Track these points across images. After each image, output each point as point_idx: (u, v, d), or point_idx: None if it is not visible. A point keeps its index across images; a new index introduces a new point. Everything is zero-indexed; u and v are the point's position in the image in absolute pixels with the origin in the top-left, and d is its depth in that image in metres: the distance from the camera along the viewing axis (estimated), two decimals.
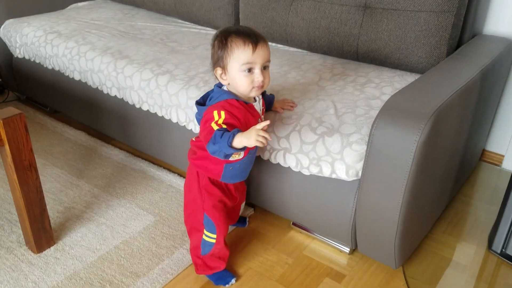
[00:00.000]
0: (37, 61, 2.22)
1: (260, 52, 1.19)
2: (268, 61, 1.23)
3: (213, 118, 1.17)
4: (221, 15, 2.17)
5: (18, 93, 2.59)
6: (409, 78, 1.64)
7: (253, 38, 1.19)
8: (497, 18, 1.81)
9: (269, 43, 2.04)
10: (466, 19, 1.68)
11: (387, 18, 1.69)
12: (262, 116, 1.35)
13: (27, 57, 2.27)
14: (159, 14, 2.49)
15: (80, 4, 2.67)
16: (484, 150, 2.04)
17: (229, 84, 1.25)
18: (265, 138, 1.10)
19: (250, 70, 1.20)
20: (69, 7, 2.62)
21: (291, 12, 1.91)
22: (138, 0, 2.54)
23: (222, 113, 1.17)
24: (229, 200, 1.37)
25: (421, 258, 1.51)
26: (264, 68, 1.22)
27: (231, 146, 1.12)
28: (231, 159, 1.26)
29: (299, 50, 1.99)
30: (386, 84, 1.59)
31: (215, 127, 1.15)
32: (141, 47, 1.98)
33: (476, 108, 1.50)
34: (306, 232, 1.60)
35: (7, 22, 2.34)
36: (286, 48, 2.02)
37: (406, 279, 1.42)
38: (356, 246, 1.46)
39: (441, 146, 1.29)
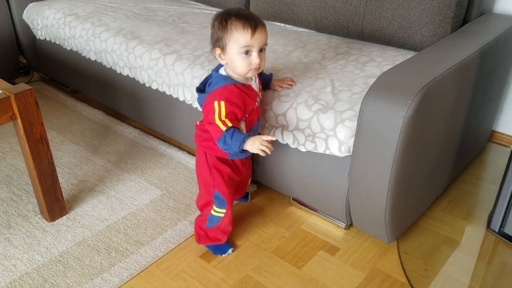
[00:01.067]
0: (57, 43, 2.32)
1: (258, 36, 1.24)
2: (265, 44, 1.27)
3: (214, 110, 1.23)
4: None
5: (42, 74, 2.72)
6: None
7: (252, 22, 1.23)
8: None
9: (277, 24, 2.09)
10: None
11: None
12: (260, 94, 1.39)
13: (48, 39, 2.37)
14: None
15: None
16: (493, 131, 2.02)
17: (227, 64, 1.29)
18: (268, 148, 1.21)
19: (247, 52, 1.24)
20: None
21: None
22: None
23: (222, 104, 1.23)
24: (236, 175, 1.43)
25: (417, 234, 1.53)
26: (261, 50, 1.27)
27: (241, 150, 1.22)
28: None
29: (307, 30, 2.01)
30: (387, 63, 1.60)
31: (222, 127, 1.22)
32: (153, 28, 2.04)
33: (476, 86, 1.50)
34: (305, 208, 1.64)
35: (30, 5, 2.45)
36: (294, 28, 2.04)
37: (399, 254, 1.45)
38: (351, 221, 1.49)
39: (433, 123, 1.31)
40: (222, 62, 1.30)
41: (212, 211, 1.41)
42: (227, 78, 1.30)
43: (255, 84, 1.35)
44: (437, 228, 1.56)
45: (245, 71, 1.26)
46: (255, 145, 1.21)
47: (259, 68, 1.27)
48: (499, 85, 1.76)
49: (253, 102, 1.32)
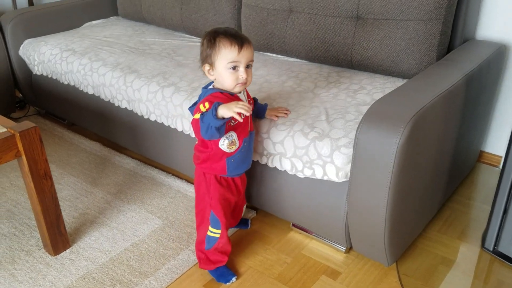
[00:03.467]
0: (54, 77, 2.36)
1: (245, 53, 1.31)
2: (252, 60, 1.35)
3: (199, 110, 1.31)
4: None
5: (38, 108, 2.75)
6: (400, 84, 1.71)
7: (239, 39, 1.31)
8: (488, 23, 1.88)
9: (270, 54, 2.16)
10: (456, 26, 1.75)
11: (377, 27, 1.77)
12: (250, 107, 1.44)
13: (45, 74, 2.42)
14: (168, 29, 2.62)
15: (94, 22, 2.82)
16: (482, 151, 2.09)
17: (215, 79, 1.37)
18: (244, 108, 1.22)
19: (235, 68, 1.32)
20: (83, 25, 2.77)
21: (288, 25, 2.01)
22: (148, 17, 2.67)
23: (207, 104, 1.31)
24: (234, 196, 1.49)
25: (414, 256, 1.57)
26: (248, 66, 1.34)
27: (216, 118, 1.24)
28: (229, 151, 1.38)
29: (298, 60, 2.08)
30: (377, 91, 1.67)
31: (198, 116, 1.29)
32: (149, 61, 2.10)
33: (464, 111, 1.57)
34: (305, 233, 1.68)
35: (26, 41, 2.50)
36: (286, 58, 2.12)
37: (399, 276, 1.49)
38: (351, 245, 1.53)
39: (425, 148, 1.37)
40: (211, 78, 1.38)
41: (208, 232, 1.46)
42: (214, 88, 1.37)
43: (243, 97, 1.41)
44: (434, 249, 1.60)
45: (233, 85, 1.33)
46: (231, 109, 1.23)
47: (245, 83, 1.35)
48: (485, 107, 1.84)
49: None
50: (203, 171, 1.45)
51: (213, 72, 1.35)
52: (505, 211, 1.49)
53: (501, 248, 1.54)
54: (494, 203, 1.52)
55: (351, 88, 1.73)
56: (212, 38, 1.32)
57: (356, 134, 1.29)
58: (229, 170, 1.43)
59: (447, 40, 1.73)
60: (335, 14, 1.87)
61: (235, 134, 1.38)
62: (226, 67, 1.31)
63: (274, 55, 2.16)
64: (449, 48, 1.79)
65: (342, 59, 1.91)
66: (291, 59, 2.10)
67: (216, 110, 1.24)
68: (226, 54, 1.30)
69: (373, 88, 1.70)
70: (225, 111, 1.24)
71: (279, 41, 2.07)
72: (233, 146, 1.39)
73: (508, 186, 1.46)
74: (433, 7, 1.65)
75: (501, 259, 1.54)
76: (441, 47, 1.71)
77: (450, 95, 1.43)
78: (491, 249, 1.57)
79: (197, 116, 1.31)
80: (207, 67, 1.36)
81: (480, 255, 1.58)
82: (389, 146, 1.23)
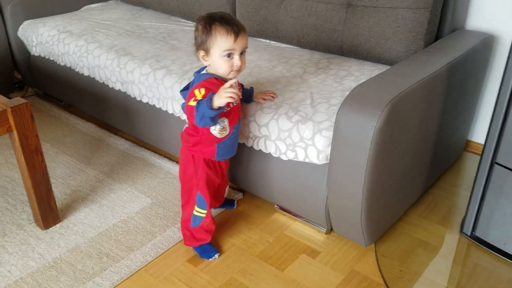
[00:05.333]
0: (51, 59, 2.40)
1: (240, 41, 1.34)
2: (246, 47, 1.37)
3: (194, 95, 1.33)
4: None
5: (36, 89, 2.80)
6: None
7: (235, 28, 1.33)
8: (477, 13, 1.90)
9: (262, 40, 2.19)
10: (444, 15, 1.77)
11: (367, 15, 1.79)
12: (240, 93, 1.47)
13: (42, 55, 2.46)
14: (164, 14, 2.65)
15: (93, 5, 2.85)
16: (468, 141, 2.12)
17: (209, 65, 1.39)
18: (234, 93, 1.25)
19: (229, 55, 1.34)
20: (82, 8, 2.80)
21: (281, 10, 2.03)
22: (145, 1, 2.70)
23: (202, 90, 1.33)
24: (218, 178, 1.53)
25: (393, 238, 1.62)
26: (242, 53, 1.37)
27: (211, 108, 1.27)
28: (220, 136, 1.42)
29: (290, 46, 2.11)
30: (364, 77, 1.70)
31: (194, 103, 1.31)
32: (144, 44, 2.14)
33: (446, 99, 1.60)
34: (289, 214, 1.73)
35: (25, 23, 2.54)
36: (278, 44, 2.14)
37: (376, 256, 1.53)
38: (331, 226, 1.58)
39: (404, 132, 1.40)
40: (205, 63, 1.40)
41: (194, 211, 1.51)
42: (208, 74, 1.40)
43: (235, 84, 1.44)
44: (413, 232, 1.64)
45: (227, 72, 1.36)
46: (221, 97, 1.25)
47: (239, 70, 1.37)
48: (472, 97, 1.87)
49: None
50: (192, 154, 1.49)
51: (208, 58, 1.37)
52: (482, 197, 1.52)
53: (478, 233, 1.58)
54: (473, 190, 1.55)
55: (339, 74, 1.76)
56: (208, 25, 1.33)
57: (336, 117, 1.33)
58: (218, 155, 1.47)
59: (435, 29, 1.76)
60: (327, 1, 1.89)
61: (227, 120, 1.41)
62: (221, 55, 1.33)
63: (267, 41, 2.18)
64: (437, 37, 1.81)
65: (332, 45, 1.93)
66: (284, 45, 2.13)
67: (211, 100, 1.27)
68: (222, 43, 1.32)
69: (361, 75, 1.73)
70: (219, 100, 1.26)
71: (272, 27, 2.10)
72: (224, 132, 1.43)
73: (486, 173, 1.49)
74: None
75: (478, 243, 1.58)
76: (428, 35, 1.73)
77: (432, 82, 1.46)
78: (468, 233, 1.61)
79: (192, 103, 1.32)
80: (201, 53, 1.37)
81: (458, 240, 1.62)
82: (366, 129, 1.26)
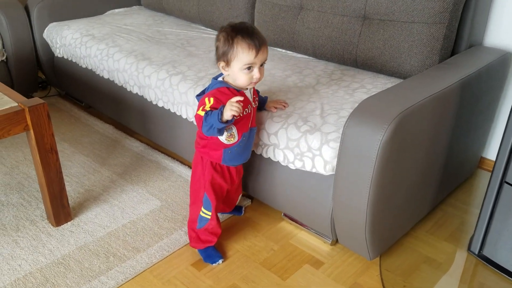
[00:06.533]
0: (74, 61, 2.47)
1: (261, 55, 1.36)
2: (266, 59, 1.40)
3: (204, 103, 1.37)
4: None
5: (58, 89, 2.88)
6: None
7: (256, 42, 1.34)
8: (496, 29, 1.88)
9: (279, 49, 2.21)
10: (461, 31, 1.76)
11: (383, 28, 1.80)
12: (253, 103, 1.49)
13: (65, 57, 2.53)
14: (185, 21, 2.70)
15: (116, 10, 2.92)
16: (483, 158, 2.09)
17: (228, 75, 1.41)
18: (238, 108, 1.28)
19: (250, 68, 1.36)
20: (106, 13, 2.88)
21: (298, 21, 2.05)
22: (167, 8, 2.76)
23: (212, 99, 1.36)
24: (227, 183, 1.54)
25: (399, 252, 1.60)
26: (261, 65, 1.39)
27: (221, 121, 1.30)
28: (227, 143, 1.44)
29: (305, 56, 2.13)
30: (376, 90, 1.70)
31: (202, 113, 1.35)
32: (162, 50, 2.18)
33: (458, 115, 1.58)
34: (295, 223, 1.73)
35: (51, 25, 2.62)
36: (294, 54, 2.16)
37: (380, 270, 1.53)
38: (337, 237, 1.58)
39: (412, 147, 1.40)
40: (225, 73, 1.42)
41: (200, 212, 1.53)
42: (223, 82, 1.42)
43: (249, 94, 1.46)
44: (420, 248, 1.63)
45: (246, 84, 1.39)
46: (227, 110, 1.29)
47: (258, 81, 1.40)
48: (487, 113, 1.85)
49: (245, 105, 1.41)
50: (201, 155, 1.52)
51: (228, 69, 1.39)
52: (491, 216, 1.50)
53: (486, 252, 1.56)
54: (481, 208, 1.53)
55: (352, 86, 1.76)
56: (230, 37, 1.34)
57: (343, 129, 1.34)
58: (225, 160, 1.49)
59: (451, 44, 1.75)
60: (343, 13, 1.91)
61: (235, 128, 1.44)
62: (242, 68, 1.36)
63: (284, 50, 2.20)
64: (454, 53, 1.80)
65: (347, 57, 1.94)
66: (299, 55, 2.14)
67: (221, 114, 1.30)
68: (243, 57, 1.34)
69: (373, 87, 1.74)
70: (225, 113, 1.29)
71: (288, 37, 2.12)
72: (232, 139, 1.45)
73: (495, 192, 1.47)
74: (438, 10, 1.67)
75: (485, 262, 1.56)
76: (444, 51, 1.72)
77: (443, 97, 1.45)
78: (476, 252, 1.59)
79: (201, 112, 1.35)
80: (222, 63, 1.39)
81: (465, 258, 1.60)
82: (372, 142, 1.26)
